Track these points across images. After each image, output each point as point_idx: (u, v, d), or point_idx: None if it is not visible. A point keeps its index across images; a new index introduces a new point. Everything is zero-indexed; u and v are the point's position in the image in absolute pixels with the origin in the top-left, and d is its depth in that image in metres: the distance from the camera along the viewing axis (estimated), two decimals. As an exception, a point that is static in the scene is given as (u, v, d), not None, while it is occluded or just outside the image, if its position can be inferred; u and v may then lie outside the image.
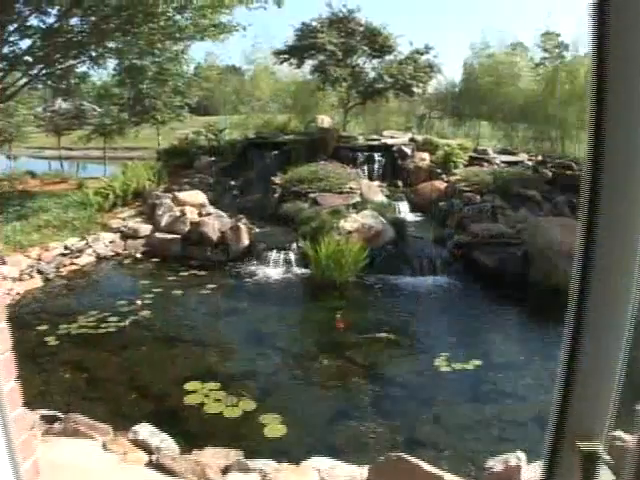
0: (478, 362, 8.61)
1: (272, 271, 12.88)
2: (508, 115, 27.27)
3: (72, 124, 33.27)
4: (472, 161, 19.75)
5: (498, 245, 12.90)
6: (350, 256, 11.93)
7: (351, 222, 13.22)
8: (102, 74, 30.46)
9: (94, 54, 21.42)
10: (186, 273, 12.76)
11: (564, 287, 1.73)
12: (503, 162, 19.75)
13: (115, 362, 8.64)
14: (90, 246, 14.01)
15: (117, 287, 12.22)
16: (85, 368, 8.38)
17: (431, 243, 14.04)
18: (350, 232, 12.94)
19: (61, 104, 34.55)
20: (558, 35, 38.32)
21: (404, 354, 9.20)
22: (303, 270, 12.89)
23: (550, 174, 19.24)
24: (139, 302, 10.81)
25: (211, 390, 7.60)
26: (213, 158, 20.97)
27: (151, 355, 8.90)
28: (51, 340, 9.21)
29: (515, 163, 19.87)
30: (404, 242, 13.74)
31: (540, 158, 21.57)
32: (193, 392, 7.55)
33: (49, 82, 24.37)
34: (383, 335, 9.62)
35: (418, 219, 16.53)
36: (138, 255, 14.12)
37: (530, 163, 20.49)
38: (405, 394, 7.92)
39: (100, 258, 13.89)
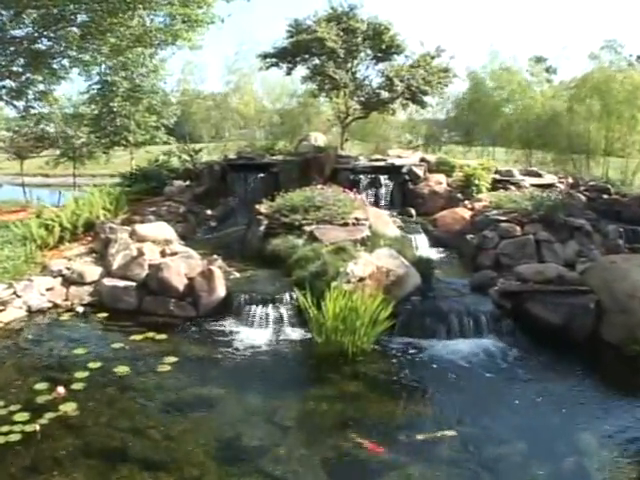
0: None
1: (257, 334, 9.43)
2: (524, 133, 24.58)
3: (36, 146, 30.16)
4: (496, 184, 16.66)
5: (560, 294, 9.62)
6: (367, 315, 8.56)
7: (363, 265, 9.87)
8: (72, 92, 27.85)
9: (53, 63, 18.71)
10: (139, 337, 9.29)
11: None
12: (533, 185, 16.60)
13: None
14: (19, 296, 10.63)
15: (43, 358, 8.71)
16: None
17: (468, 291, 10.74)
18: (362, 279, 9.60)
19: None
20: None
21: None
22: (299, 332, 9.50)
23: (584, 198, 16.21)
24: (62, 390, 7.36)
25: None
26: (187, 183, 17.77)
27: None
28: None
29: (547, 186, 16.72)
30: (433, 290, 10.44)
31: (571, 180, 18.59)
32: None
33: (5, 98, 21.48)
34: (426, 437, 6.47)
35: (441, 256, 13.24)
36: (80, 308, 10.69)
37: (561, 186, 17.45)
38: None
39: (32, 312, 10.49)
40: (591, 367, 8.59)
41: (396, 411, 7.27)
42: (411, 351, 8.87)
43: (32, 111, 25.26)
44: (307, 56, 18.63)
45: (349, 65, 18.41)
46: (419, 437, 6.52)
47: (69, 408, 6.98)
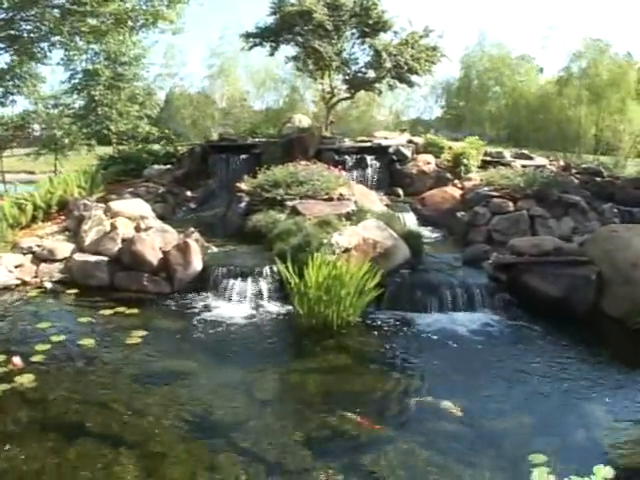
0: (608, 469, 4.76)
1: (235, 308, 8.81)
2: (515, 118, 24.16)
3: (16, 136, 29.32)
4: (486, 165, 16.10)
5: (559, 265, 9.08)
6: (353, 284, 7.95)
7: (348, 236, 9.28)
8: (54, 83, 27.29)
9: (33, 47, 18.20)
10: (109, 311, 8.67)
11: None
12: (523, 167, 16.03)
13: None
14: (-16, 273, 10.01)
15: (3, 332, 8.02)
16: None
17: (460, 264, 10.18)
18: (348, 249, 9.01)
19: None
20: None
21: (463, 453, 5.18)
22: (280, 306, 8.91)
23: (576, 181, 15.68)
24: (17, 361, 6.74)
25: None
26: (168, 166, 17.17)
27: (26, 462, 4.85)
28: None
29: (538, 167, 16.15)
30: (423, 264, 9.87)
31: (562, 163, 18.10)
32: None
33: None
34: (421, 411, 5.92)
35: (431, 235, 12.66)
36: (49, 284, 10.04)
37: (553, 168, 16.92)
38: None
39: (-1, 289, 9.84)
40: (594, 341, 7.98)
41: (386, 384, 6.68)
42: (400, 324, 8.27)
43: (11, 97, 24.72)
44: (290, 36, 17.97)
45: (334, 41, 17.65)
46: (413, 410, 5.98)
47: (25, 380, 6.35)
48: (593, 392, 6.47)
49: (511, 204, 12.18)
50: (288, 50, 19.05)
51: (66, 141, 26.53)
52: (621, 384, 6.85)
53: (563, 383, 6.68)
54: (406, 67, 17.26)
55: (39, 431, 5.42)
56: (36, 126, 29.42)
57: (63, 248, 10.90)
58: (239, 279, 9.28)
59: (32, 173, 32.59)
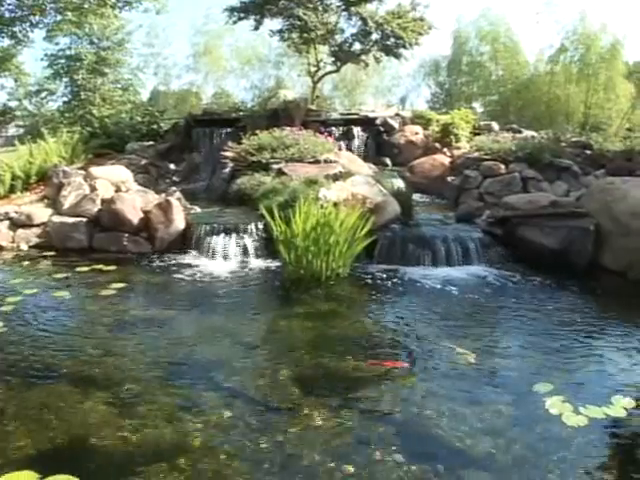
0: (628, 400, 4.50)
1: (219, 265, 8.46)
2: (503, 96, 23.89)
3: (-1, 122, 28.80)
4: (475, 137, 15.75)
5: (556, 217, 8.77)
6: (343, 233, 7.58)
7: (337, 190, 8.92)
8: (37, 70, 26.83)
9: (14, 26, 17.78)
10: (85, 268, 8.27)
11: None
12: (513, 137, 15.73)
13: None
14: (-40, 239, 9.63)
15: (-27, 289, 7.67)
16: None
17: (453, 222, 9.87)
18: (336, 204, 8.64)
19: None
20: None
21: (468, 391, 4.81)
22: (266, 262, 8.56)
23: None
24: (-16, 308, 6.35)
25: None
26: (151, 142, 16.75)
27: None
28: None
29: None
30: (414, 220, 9.54)
31: (552, 135, 17.77)
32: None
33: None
34: (420, 351, 5.59)
35: (421, 200, 12.29)
36: (24, 246, 9.68)
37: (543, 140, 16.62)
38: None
39: (-27, 254, 9.42)
40: (597, 293, 7.69)
41: (383, 329, 6.33)
42: (393, 277, 7.94)
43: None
44: (275, 8, 17.49)
45: (319, 12, 17.18)
46: (409, 352, 5.63)
47: (-6, 325, 5.97)
48: (601, 336, 6.18)
49: (503, 167, 11.83)
50: (273, 25, 18.62)
51: (49, 127, 26.12)
52: (630, 330, 6.45)
53: (570, 328, 6.34)
54: (393, 38, 16.81)
55: (4, 374, 5.03)
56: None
57: (41, 213, 10.48)
58: (223, 236, 8.91)
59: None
